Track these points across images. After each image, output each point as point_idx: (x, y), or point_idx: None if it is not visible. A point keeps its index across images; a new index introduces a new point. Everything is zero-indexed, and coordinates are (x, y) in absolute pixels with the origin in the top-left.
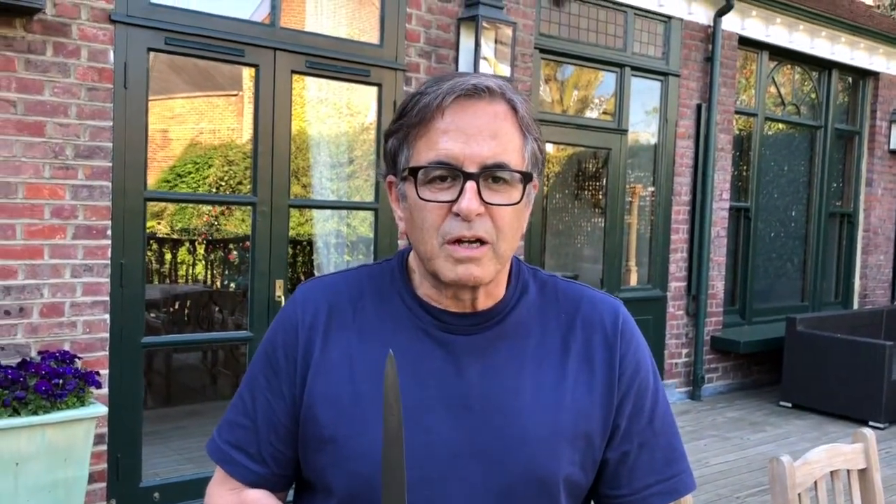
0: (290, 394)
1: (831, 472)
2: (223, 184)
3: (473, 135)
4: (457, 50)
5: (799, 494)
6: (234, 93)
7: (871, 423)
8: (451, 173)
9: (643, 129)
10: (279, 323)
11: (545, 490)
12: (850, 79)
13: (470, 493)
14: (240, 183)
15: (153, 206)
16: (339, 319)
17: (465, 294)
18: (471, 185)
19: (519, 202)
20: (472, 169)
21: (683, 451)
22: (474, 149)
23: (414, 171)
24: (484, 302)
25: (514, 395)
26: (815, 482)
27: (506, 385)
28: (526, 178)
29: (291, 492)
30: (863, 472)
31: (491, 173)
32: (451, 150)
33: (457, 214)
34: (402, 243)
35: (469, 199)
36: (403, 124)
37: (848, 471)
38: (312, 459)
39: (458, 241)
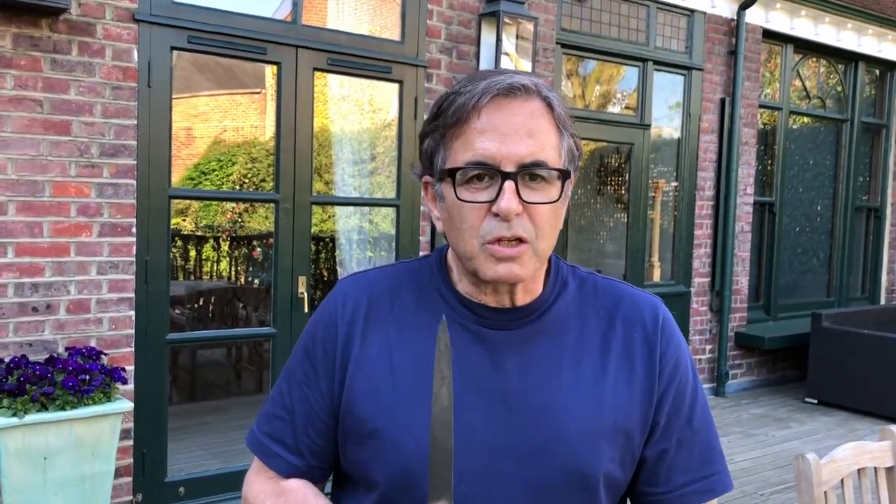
0: (328, 389)
1: (858, 470)
2: (247, 181)
3: (510, 134)
4: (478, 46)
5: (825, 492)
6: (258, 90)
7: None
8: (489, 173)
9: (666, 123)
10: (319, 317)
11: (584, 487)
12: (877, 71)
13: (507, 489)
14: (263, 180)
15: (178, 203)
16: (377, 314)
17: (504, 289)
18: (509, 185)
19: (557, 200)
20: (509, 168)
21: (721, 450)
22: (511, 148)
23: (452, 172)
24: (522, 298)
25: (553, 391)
26: (842, 480)
27: (544, 381)
28: (564, 175)
29: (329, 484)
30: (890, 471)
31: (529, 172)
32: (489, 149)
33: (496, 214)
34: (423, 240)
35: (508, 199)
36: (439, 125)
37: (875, 468)
38: (354, 453)
39: (498, 240)
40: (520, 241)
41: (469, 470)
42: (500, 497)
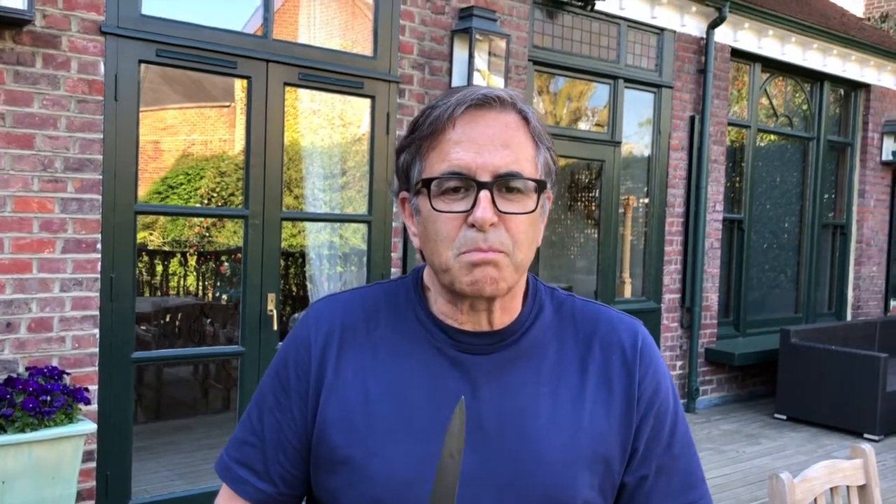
0: (300, 414)
1: (831, 489)
2: (215, 195)
3: (485, 144)
4: (450, 62)
5: None
6: (227, 104)
7: (865, 436)
8: (465, 183)
9: (636, 140)
10: (291, 341)
11: None
12: (841, 90)
13: None
14: (232, 194)
15: (145, 217)
16: (352, 338)
17: (482, 306)
18: (485, 195)
19: (534, 211)
20: (485, 178)
21: (702, 475)
22: (487, 158)
23: (427, 183)
24: (500, 317)
25: (530, 417)
26: (815, 499)
27: (521, 407)
28: (540, 186)
29: None
30: (862, 489)
31: (504, 182)
32: (464, 159)
33: (472, 225)
34: (394, 256)
35: (483, 209)
36: (415, 138)
37: (847, 487)
38: (325, 481)
39: (475, 251)
40: (497, 252)
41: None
42: None
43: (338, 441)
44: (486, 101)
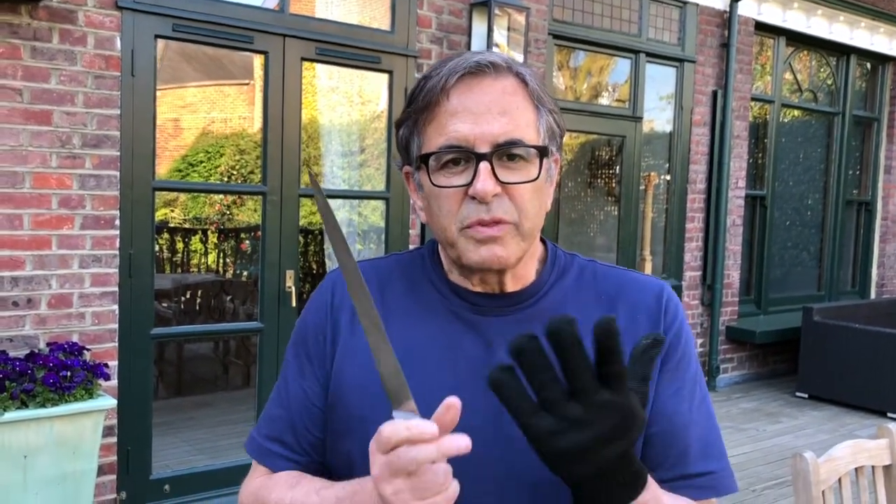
0: (323, 376)
1: (856, 469)
2: (234, 173)
3: (482, 113)
4: (469, 36)
5: (823, 492)
6: (246, 82)
7: (889, 415)
8: (464, 156)
9: (658, 116)
10: (309, 308)
11: None
12: (868, 64)
13: (499, 482)
14: (251, 172)
15: (165, 195)
16: None
17: (492, 277)
18: (484, 166)
19: (537, 178)
20: (483, 149)
21: (723, 448)
22: (484, 128)
23: (425, 158)
24: (512, 285)
25: None
26: (840, 479)
27: None
28: (542, 152)
29: None
30: (888, 469)
31: (504, 151)
32: (461, 131)
33: (473, 198)
34: (413, 232)
35: (483, 181)
36: (411, 111)
37: (873, 467)
38: (340, 444)
39: (479, 223)
40: (502, 223)
41: (459, 459)
42: (491, 489)
43: (353, 403)
44: (480, 68)
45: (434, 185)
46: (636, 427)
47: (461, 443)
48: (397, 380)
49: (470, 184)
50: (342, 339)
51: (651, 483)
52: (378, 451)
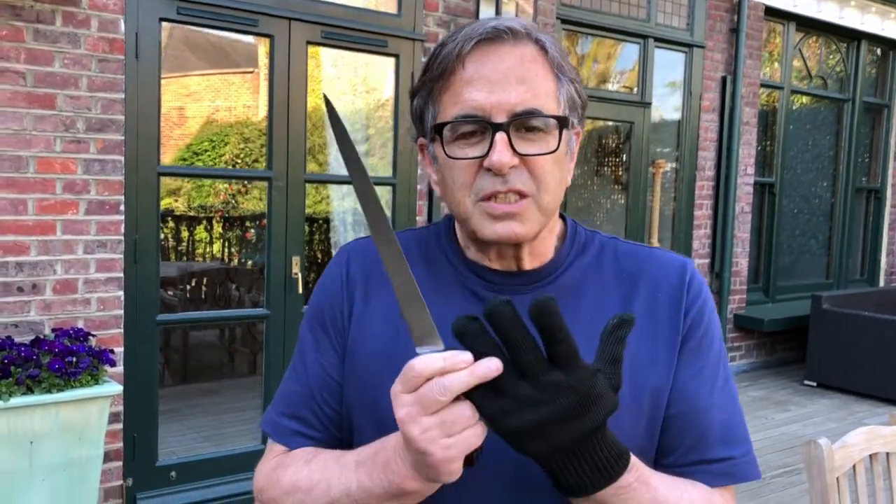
0: (340, 346)
1: (870, 456)
2: (239, 161)
3: (499, 81)
4: (476, 19)
5: (837, 478)
6: (250, 70)
7: None
8: (480, 126)
9: (666, 102)
10: (323, 281)
11: None
12: (879, 50)
13: (517, 467)
14: (256, 160)
15: (170, 184)
16: (381, 273)
17: (508, 252)
18: (501, 137)
19: (556, 150)
20: (500, 119)
21: (746, 432)
22: (501, 96)
23: (440, 129)
24: (530, 263)
25: None
26: (854, 466)
27: None
28: (562, 123)
29: None
30: None
31: (522, 121)
32: (477, 100)
33: (489, 170)
34: (419, 219)
35: (500, 152)
36: (426, 80)
37: (887, 454)
38: (352, 418)
39: (494, 196)
40: (520, 195)
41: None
42: (511, 466)
43: (367, 375)
44: (498, 34)
45: (448, 156)
46: (598, 409)
47: (492, 365)
48: (425, 322)
49: (486, 155)
50: (357, 309)
51: (636, 465)
52: (404, 392)
